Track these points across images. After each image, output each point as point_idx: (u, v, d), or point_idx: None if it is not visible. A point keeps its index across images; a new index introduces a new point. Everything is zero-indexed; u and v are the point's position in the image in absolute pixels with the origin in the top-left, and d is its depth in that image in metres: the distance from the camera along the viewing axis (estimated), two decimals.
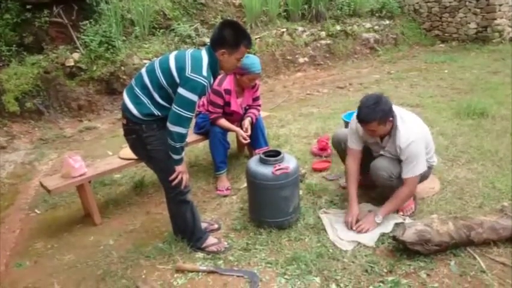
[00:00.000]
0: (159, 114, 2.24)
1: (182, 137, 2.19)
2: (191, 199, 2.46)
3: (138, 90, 2.25)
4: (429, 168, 2.74)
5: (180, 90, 2.12)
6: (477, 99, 4.76)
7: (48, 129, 5.22)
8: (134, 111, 2.22)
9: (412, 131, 2.48)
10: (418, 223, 2.29)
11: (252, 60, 3.12)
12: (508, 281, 2.07)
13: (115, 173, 3.53)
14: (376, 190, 3.03)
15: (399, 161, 2.55)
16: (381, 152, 2.65)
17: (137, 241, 2.70)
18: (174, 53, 2.27)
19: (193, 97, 2.12)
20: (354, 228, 2.56)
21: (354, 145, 2.71)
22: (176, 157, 2.25)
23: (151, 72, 2.23)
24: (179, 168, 2.29)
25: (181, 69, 2.13)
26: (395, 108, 2.53)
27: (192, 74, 2.10)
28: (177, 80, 2.15)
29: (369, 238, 2.48)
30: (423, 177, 2.69)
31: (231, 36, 2.18)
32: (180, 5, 7.11)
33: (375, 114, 2.37)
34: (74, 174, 2.83)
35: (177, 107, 2.12)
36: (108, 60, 5.80)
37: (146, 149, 2.31)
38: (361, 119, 2.44)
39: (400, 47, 8.97)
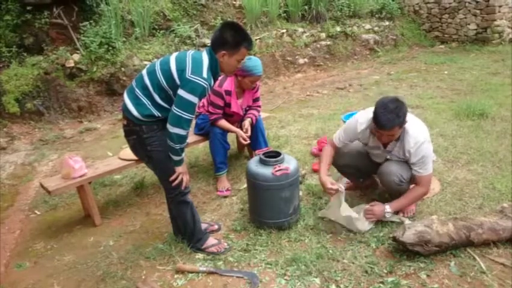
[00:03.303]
0: (159, 115, 2.24)
1: (182, 138, 2.19)
2: (191, 200, 2.46)
3: (139, 91, 2.25)
4: None
5: (180, 91, 2.12)
6: (477, 100, 4.77)
7: (49, 130, 5.22)
8: (135, 112, 2.23)
9: (420, 133, 2.47)
10: (418, 224, 2.29)
11: (254, 62, 3.13)
12: (508, 282, 2.07)
13: (115, 174, 3.53)
14: (375, 192, 3.04)
15: (407, 164, 2.55)
16: (388, 157, 2.61)
17: (137, 242, 2.70)
18: (175, 54, 2.28)
19: (193, 99, 2.12)
20: (364, 214, 2.56)
21: (339, 144, 2.70)
22: (176, 158, 2.26)
23: (151, 73, 2.24)
24: (179, 169, 2.30)
25: (181, 70, 2.14)
26: None
27: (192, 76, 2.10)
28: (177, 81, 2.15)
29: (364, 224, 2.53)
30: None
31: (231, 38, 2.18)
32: (180, 6, 7.12)
33: (398, 118, 2.30)
34: (74, 175, 2.83)
35: (177, 109, 2.12)
36: (108, 61, 5.80)
37: (146, 149, 2.31)
38: (383, 125, 2.31)
39: (400, 48, 8.99)
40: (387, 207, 2.54)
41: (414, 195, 2.56)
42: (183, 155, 2.29)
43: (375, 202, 2.63)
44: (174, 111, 2.13)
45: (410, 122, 2.46)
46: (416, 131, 2.46)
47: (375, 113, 2.35)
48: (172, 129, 2.14)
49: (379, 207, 2.56)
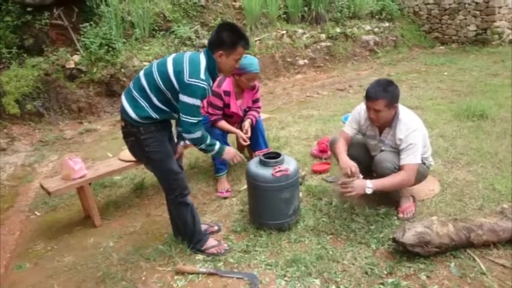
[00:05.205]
0: (157, 117, 2.24)
1: (199, 139, 2.26)
2: (191, 201, 2.47)
3: (136, 93, 2.25)
4: (427, 167, 2.76)
5: (182, 97, 2.14)
6: (477, 101, 4.77)
7: (49, 131, 5.22)
8: (132, 114, 2.23)
9: (413, 122, 2.59)
10: (418, 225, 2.29)
11: (249, 60, 3.12)
12: (508, 283, 2.07)
13: (115, 175, 3.53)
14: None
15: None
16: (382, 147, 2.70)
17: (137, 243, 2.70)
18: (172, 55, 2.28)
19: (195, 101, 2.14)
20: (344, 185, 2.48)
21: (349, 131, 2.82)
22: (212, 154, 2.39)
23: (148, 74, 2.24)
24: (225, 156, 2.43)
25: (178, 73, 2.14)
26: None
27: (190, 79, 2.11)
28: (175, 84, 2.16)
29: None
30: (422, 176, 2.70)
31: (227, 38, 2.19)
32: (180, 7, 7.13)
33: (385, 93, 2.48)
34: (74, 176, 2.83)
35: (184, 115, 2.16)
36: (108, 62, 5.81)
37: (144, 151, 2.31)
38: (370, 95, 2.51)
39: (400, 49, 9.00)
40: (369, 183, 2.47)
41: (397, 178, 2.52)
42: (216, 147, 2.38)
43: (357, 181, 2.50)
44: (182, 118, 2.18)
45: (404, 111, 2.63)
46: (408, 120, 2.59)
47: (368, 88, 2.57)
48: (188, 136, 2.22)
49: (360, 182, 2.48)
